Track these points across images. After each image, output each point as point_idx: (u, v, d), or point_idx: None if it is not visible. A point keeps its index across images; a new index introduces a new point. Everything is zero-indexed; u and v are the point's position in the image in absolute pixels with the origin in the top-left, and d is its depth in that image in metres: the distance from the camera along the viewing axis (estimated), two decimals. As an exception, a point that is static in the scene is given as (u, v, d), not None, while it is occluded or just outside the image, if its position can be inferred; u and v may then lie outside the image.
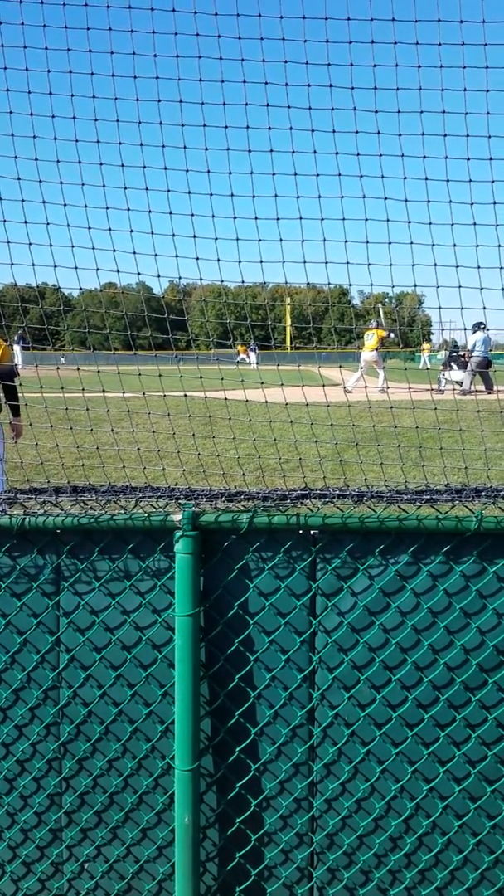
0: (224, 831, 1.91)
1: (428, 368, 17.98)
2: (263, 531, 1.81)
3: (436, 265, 1.68)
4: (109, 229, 1.77)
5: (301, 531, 1.81)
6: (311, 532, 1.81)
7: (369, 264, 1.72)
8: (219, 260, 1.79)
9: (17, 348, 19.62)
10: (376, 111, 1.63)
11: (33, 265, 1.82)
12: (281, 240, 1.74)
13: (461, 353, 16.98)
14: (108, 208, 1.76)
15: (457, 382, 16.00)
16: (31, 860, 2.02)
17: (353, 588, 1.82)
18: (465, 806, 1.81)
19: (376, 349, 16.60)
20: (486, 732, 1.79)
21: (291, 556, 1.83)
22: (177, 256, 1.78)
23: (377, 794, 1.84)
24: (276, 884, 1.90)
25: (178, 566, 1.78)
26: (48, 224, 1.81)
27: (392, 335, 16.55)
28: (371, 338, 16.88)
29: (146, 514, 1.83)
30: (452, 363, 17.08)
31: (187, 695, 1.77)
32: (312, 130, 1.70)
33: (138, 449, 2.07)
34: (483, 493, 1.81)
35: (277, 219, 1.73)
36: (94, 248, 1.78)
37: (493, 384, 14.84)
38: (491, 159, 1.60)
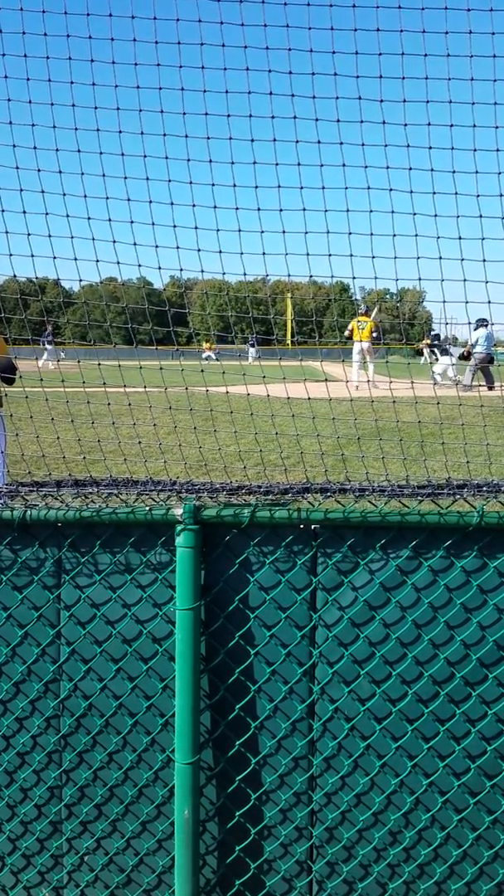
0: (224, 825, 1.91)
1: (430, 363, 17.97)
2: (264, 525, 1.81)
3: (441, 258, 1.67)
4: (109, 220, 1.76)
5: (302, 526, 1.80)
6: (312, 526, 1.81)
7: (373, 257, 1.71)
8: (220, 252, 1.77)
9: (49, 348, 20.75)
10: (381, 101, 1.62)
11: (32, 256, 1.80)
12: (284, 231, 1.73)
13: (443, 343, 17.04)
14: (108, 198, 1.75)
15: (440, 374, 16.11)
16: (31, 852, 2.03)
17: (353, 583, 1.81)
18: (464, 801, 1.81)
19: (370, 340, 16.36)
20: (485, 727, 1.79)
21: (292, 550, 1.83)
22: (178, 248, 1.76)
23: (377, 788, 1.84)
24: (275, 877, 1.91)
25: (179, 560, 1.78)
26: (47, 214, 1.79)
27: (376, 318, 16.27)
28: (364, 326, 16.48)
29: (147, 508, 1.82)
30: (435, 350, 17.13)
31: (187, 688, 1.77)
32: (317, 120, 1.67)
33: (139, 443, 2.06)
34: (484, 489, 1.81)
35: (280, 210, 1.72)
36: (93, 239, 1.77)
37: (494, 380, 14.83)
38: (497, 150, 1.59)
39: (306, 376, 2.00)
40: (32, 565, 1.94)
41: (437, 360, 16.90)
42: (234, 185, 1.72)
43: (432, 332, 17.20)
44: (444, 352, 17.03)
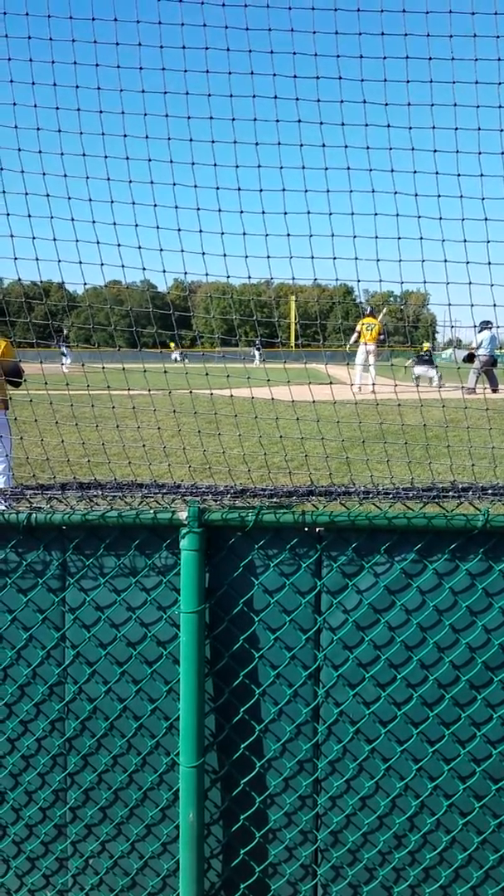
0: (228, 828, 1.91)
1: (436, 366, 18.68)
2: (269, 528, 1.80)
3: (446, 261, 1.67)
4: (114, 223, 1.77)
5: (307, 528, 1.80)
6: (317, 529, 1.81)
7: (378, 260, 1.71)
8: (225, 255, 1.78)
9: (64, 349, 20.90)
10: (386, 104, 1.62)
11: (37, 259, 1.81)
12: (288, 234, 1.73)
13: (425, 353, 18.18)
14: (112, 202, 1.76)
15: (418, 378, 17.26)
16: (35, 855, 2.02)
17: (358, 586, 1.81)
18: (469, 804, 1.80)
19: (375, 343, 16.47)
20: (490, 731, 1.78)
21: (297, 553, 1.82)
22: (182, 251, 1.77)
23: (382, 791, 1.84)
24: (280, 881, 1.90)
25: (183, 563, 1.78)
26: (52, 218, 1.80)
27: (382, 320, 16.75)
28: (372, 328, 16.53)
29: (152, 511, 1.82)
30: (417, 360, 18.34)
31: (192, 691, 1.77)
32: (321, 123, 1.68)
33: (143, 445, 2.07)
34: (490, 491, 1.80)
35: (285, 213, 1.72)
36: (98, 243, 1.77)
37: (498, 382, 14.82)
38: (502, 153, 1.59)
39: (310, 379, 2.00)
40: (37, 568, 1.94)
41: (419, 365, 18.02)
42: (239, 189, 1.73)
43: (434, 339, 18.00)
44: (423, 361, 18.14)
